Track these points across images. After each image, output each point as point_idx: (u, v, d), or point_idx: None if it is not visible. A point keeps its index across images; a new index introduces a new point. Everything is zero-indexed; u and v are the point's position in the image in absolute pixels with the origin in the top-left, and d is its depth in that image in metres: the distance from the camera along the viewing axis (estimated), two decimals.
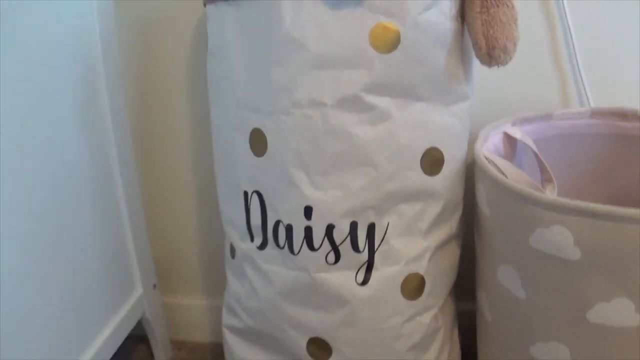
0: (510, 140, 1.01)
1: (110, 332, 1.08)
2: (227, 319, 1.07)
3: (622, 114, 1.03)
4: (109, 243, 1.10)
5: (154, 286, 1.26)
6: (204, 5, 0.97)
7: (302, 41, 0.83)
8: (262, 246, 0.93)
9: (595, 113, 1.04)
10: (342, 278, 0.90)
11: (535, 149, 1.00)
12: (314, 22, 0.82)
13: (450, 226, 0.96)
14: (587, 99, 1.08)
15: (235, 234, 0.98)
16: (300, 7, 0.82)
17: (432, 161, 0.89)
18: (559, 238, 0.80)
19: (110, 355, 1.10)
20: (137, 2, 1.15)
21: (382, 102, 0.85)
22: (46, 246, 0.91)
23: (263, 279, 0.94)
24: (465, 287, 1.04)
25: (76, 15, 0.99)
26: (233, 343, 1.06)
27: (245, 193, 0.93)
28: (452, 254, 0.98)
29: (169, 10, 1.15)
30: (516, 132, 1.01)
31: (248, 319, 1.00)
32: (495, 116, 1.02)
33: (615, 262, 0.78)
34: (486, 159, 0.90)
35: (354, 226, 0.88)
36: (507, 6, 0.86)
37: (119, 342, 1.13)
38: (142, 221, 1.21)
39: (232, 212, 0.98)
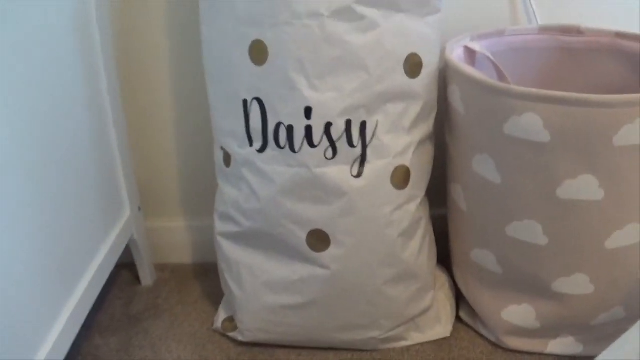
0: (470, 53, 1.13)
1: (104, 254, 1.15)
2: (220, 226, 1.15)
3: (566, 29, 1.17)
4: (102, 166, 1.16)
5: (139, 208, 1.32)
6: None
7: None
8: (262, 149, 1.02)
9: (542, 29, 1.18)
10: (340, 171, 1.00)
11: (493, 59, 1.12)
12: None
13: (428, 125, 1.08)
14: (535, 16, 1.22)
15: (233, 142, 1.06)
16: None
17: (413, 65, 1.00)
18: (530, 124, 0.93)
19: (106, 277, 1.16)
20: None
21: (370, 12, 0.95)
22: (47, 171, 0.96)
23: (263, 180, 1.03)
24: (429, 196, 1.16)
25: None
26: (228, 249, 1.15)
27: (245, 101, 1.01)
28: (429, 150, 1.10)
29: None
30: (475, 46, 1.13)
31: (247, 221, 1.08)
32: (455, 31, 1.14)
33: (580, 142, 0.91)
34: None
35: (348, 124, 0.99)
36: None
37: (112, 264, 1.19)
38: (127, 145, 1.27)
39: (229, 121, 1.05)
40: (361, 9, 0.94)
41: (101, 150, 1.16)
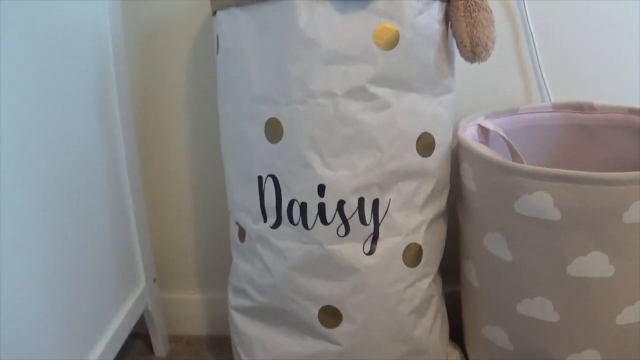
0: (484, 131, 1.15)
1: (118, 324, 1.15)
2: (234, 300, 1.15)
3: (579, 106, 1.18)
4: (118, 237, 1.18)
5: (154, 280, 1.33)
6: (213, 13, 1.08)
7: (315, 40, 0.95)
8: (276, 225, 1.03)
9: (556, 106, 1.19)
10: (352, 249, 1.01)
11: (506, 137, 1.14)
12: (326, 23, 0.95)
13: (441, 202, 1.08)
14: (548, 94, 1.23)
15: (247, 218, 1.07)
16: (313, 11, 0.94)
17: (425, 144, 1.02)
18: (541, 202, 0.93)
19: (119, 348, 1.16)
20: (142, 7, 1.24)
21: (384, 92, 0.97)
22: (64, 240, 0.98)
23: (276, 255, 1.04)
24: (442, 272, 1.16)
25: (89, 19, 1.07)
26: (241, 323, 1.15)
27: (260, 177, 1.03)
28: (442, 228, 1.11)
29: (172, 14, 1.24)
30: (489, 124, 1.15)
31: (260, 297, 1.09)
32: (469, 110, 1.16)
33: (590, 219, 0.91)
34: None
35: (361, 202, 1.00)
36: (487, 10, 1.00)
37: (125, 334, 1.19)
38: (145, 217, 1.29)
39: (243, 197, 1.07)
40: (374, 89, 0.97)
41: (118, 221, 1.18)
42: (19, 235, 0.85)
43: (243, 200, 1.08)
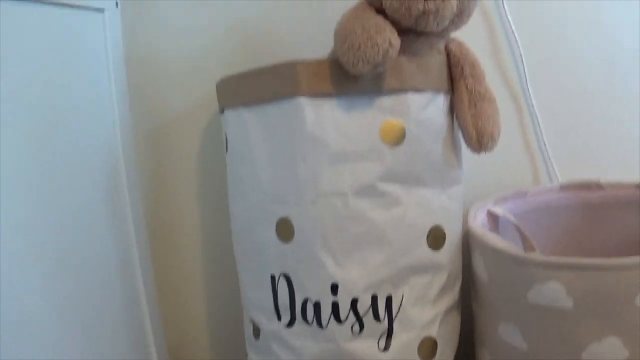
0: (493, 217, 1.15)
1: None
2: None
3: (587, 186, 1.18)
4: (132, 333, 1.17)
5: None
6: (221, 111, 1.09)
7: (323, 139, 0.96)
8: (290, 324, 1.03)
9: (563, 187, 1.20)
10: (367, 346, 1.00)
11: (516, 223, 1.13)
12: (333, 123, 0.96)
13: (454, 294, 1.08)
14: (555, 173, 1.24)
15: (262, 316, 1.07)
16: (319, 109, 0.96)
17: (436, 238, 1.02)
18: (554, 291, 0.93)
19: None
20: (150, 103, 1.26)
21: (393, 188, 0.98)
22: (75, 335, 0.98)
23: (292, 354, 1.03)
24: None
25: (99, 122, 1.09)
26: None
27: (273, 276, 1.03)
28: (456, 319, 1.10)
29: (181, 109, 1.26)
30: (498, 210, 1.15)
31: None
32: (478, 195, 1.16)
33: (602, 305, 0.91)
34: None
35: (374, 299, 0.99)
36: (491, 100, 1.02)
37: None
38: (158, 312, 1.27)
39: (257, 295, 1.07)
40: (383, 186, 0.97)
41: (132, 318, 1.17)
42: (30, 344, 0.85)
43: (256, 299, 1.08)
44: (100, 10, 1.12)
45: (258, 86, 1.00)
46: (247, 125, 1.02)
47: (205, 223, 1.30)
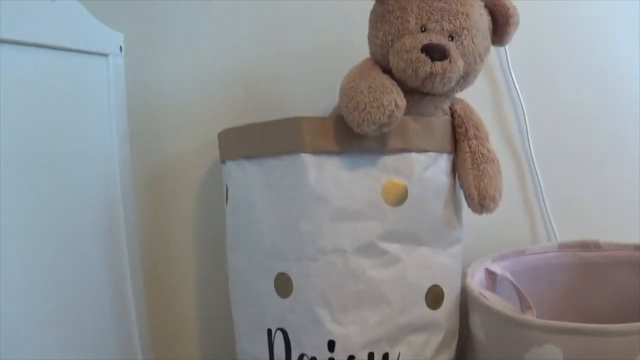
0: (491, 275, 1.15)
1: None
2: None
3: (585, 245, 1.19)
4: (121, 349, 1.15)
5: None
6: (222, 162, 1.09)
7: (325, 197, 0.96)
8: None
9: (562, 246, 1.20)
10: None
11: (514, 281, 1.14)
12: (335, 181, 0.96)
13: (450, 352, 1.08)
14: (554, 232, 1.24)
15: None
16: (322, 167, 0.96)
17: (434, 297, 1.02)
18: (551, 355, 0.92)
19: None
20: (150, 153, 1.27)
21: (393, 248, 0.98)
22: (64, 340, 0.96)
23: None
24: None
25: (99, 167, 1.09)
26: None
27: (269, 330, 1.02)
28: None
29: (180, 156, 1.27)
30: (496, 268, 1.15)
31: None
32: (477, 252, 1.16)
33: None
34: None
35: (371, 356, 0.99)
36: (493, 162, 1.02)
37: None
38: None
39: (253, 348, 1.06)
40: (384, 245, 0.97)
41: (122, 337, 1.16)
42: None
43: (252, 351, 1.07)
44: (104, 54, 1.13)
45: (261, 140, 1.00)
46: (249, 177, 1.02)
47: (203, 276, 1.30)
